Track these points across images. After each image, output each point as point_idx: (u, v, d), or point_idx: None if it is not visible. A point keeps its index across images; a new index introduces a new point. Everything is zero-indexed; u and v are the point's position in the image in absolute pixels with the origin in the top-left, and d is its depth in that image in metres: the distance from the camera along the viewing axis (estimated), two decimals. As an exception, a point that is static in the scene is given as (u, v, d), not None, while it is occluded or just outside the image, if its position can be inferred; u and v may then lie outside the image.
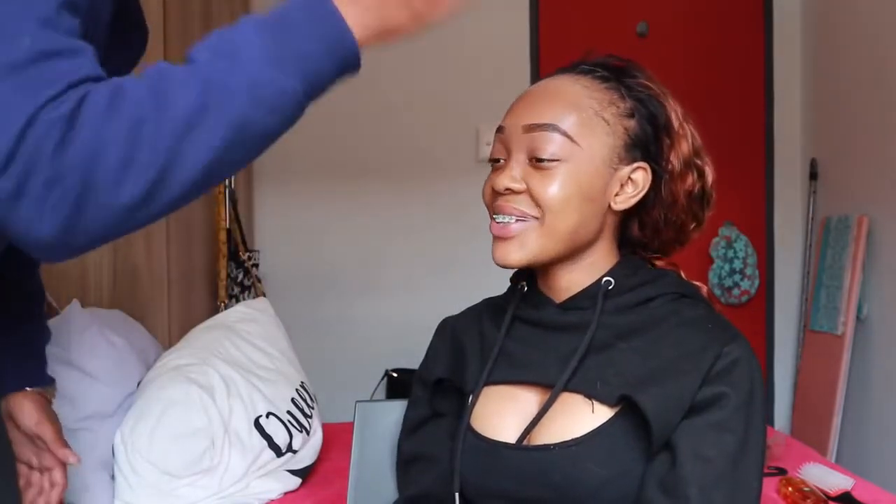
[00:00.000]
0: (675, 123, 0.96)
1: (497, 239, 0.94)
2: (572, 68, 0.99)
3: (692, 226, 1.00)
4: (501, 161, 0.96)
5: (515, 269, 1.04)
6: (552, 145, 0.91)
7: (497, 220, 0.94)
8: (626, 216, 0.99)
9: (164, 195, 0.66)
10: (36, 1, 0.65)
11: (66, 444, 1.18)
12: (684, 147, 0.96)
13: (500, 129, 0.97)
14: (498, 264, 0.95)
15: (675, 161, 0.96)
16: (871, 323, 2.77)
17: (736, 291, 3.26)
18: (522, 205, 0.92)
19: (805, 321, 3.12)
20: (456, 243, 3.13)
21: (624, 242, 1.01)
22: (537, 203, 0.92)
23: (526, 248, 0.92)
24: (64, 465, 1.19)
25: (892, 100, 2.62)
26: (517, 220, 0.93)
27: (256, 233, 3.07)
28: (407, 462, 1.08)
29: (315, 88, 0.70)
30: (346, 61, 0.71)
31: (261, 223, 3.11)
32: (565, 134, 0.91)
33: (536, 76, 3.18)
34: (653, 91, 0.96)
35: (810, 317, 3.05)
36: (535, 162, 0.92)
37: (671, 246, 1.02)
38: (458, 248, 3.11)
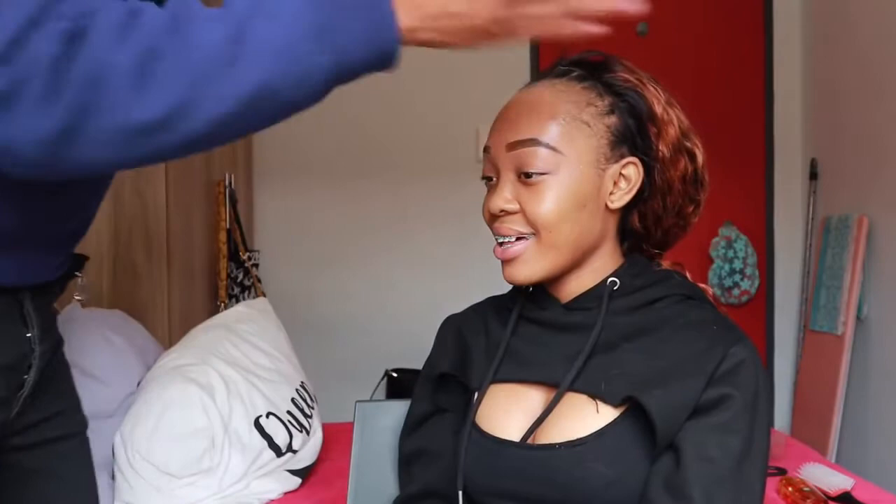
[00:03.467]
0: (659, 110, 0.95)
1: (503, 261, 0.95)
2: (550, 71, 1.00)
3: (690, 209, 1.00)
4: (493, 179, 0.97)
5: None
6: (537, 160, 0.91)
7: (499, 242, 0.95)
8: (625, 211, 0.99)
9: (164, 139, 0.63)
10: None
11: None
12: (671, 132, 0.95)
13: (486, 149, 0.97)
14: (509, 283, 0.96)
15: (665, 148, 0.95)
16: (871, 323, 2.76)
17: (736, 291, 3.26)
18: (518, 224, 0.93)
19: (805, 321, 3.12)
20: (456, 243, 3.13)
21: (626, 237, 1.01)
22: (530, 222, 0.92)
23: (530, 265, 0.93)
24: None
25: (892, 100, 2.61)
26: (518, 239, 0.94)
27: (256, 233, 3.07)
28: (408, 458, 1.08)
29: (344, 74, 0.67)
30: (383, 56, 0.68)
31: (261, 223, 3.11)
32: (548, 146, 0.91)
33: (536, 76, 3.18)
34: (630, 82, 0.95)
35: (810, 317, 3.05)
36: (524, 178, 0.92)
37: (674, 234, 1.02)
38: (459, 248, 3.11)
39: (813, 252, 3.14)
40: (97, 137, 0.62)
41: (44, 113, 0.60)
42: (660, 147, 0.95)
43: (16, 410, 0.90)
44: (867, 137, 2.78)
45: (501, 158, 0.95)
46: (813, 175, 3.16)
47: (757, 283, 3.28)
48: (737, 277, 3.26)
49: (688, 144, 0.97)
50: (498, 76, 3.14)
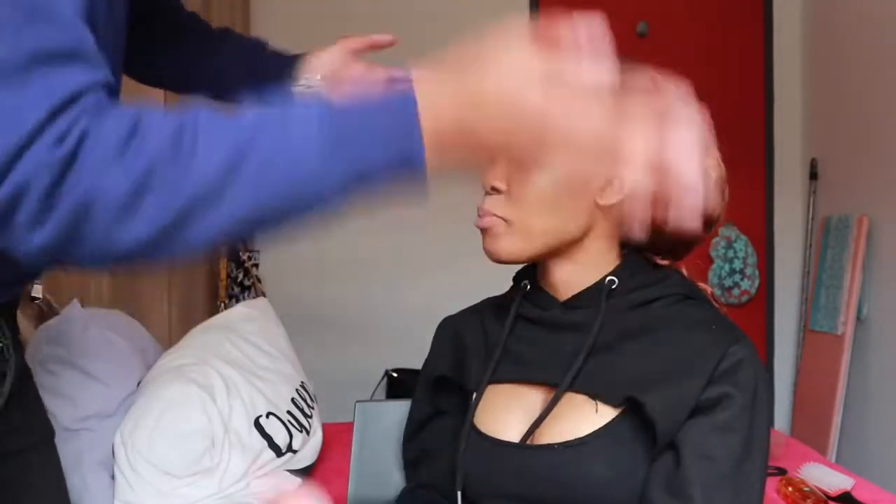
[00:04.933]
0: None
1: (482, 235, 0.97)
2: None
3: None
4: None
5: (517, 269, 1.05)
6: None
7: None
8: (626, 218, 0.98)
9: (161, 251, 0.62)
10: None
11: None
12: None
13: None
14: (489, 258, 0.97)
15: None
16: (871, 323, 2.76)
17: (736, 291, 3.26)
18: (499, 205, 0.94)
19: (805, 321, 3.12)
20: (456, 243, 3.12)
21: (631, 248, 1.01)
22: (513, 203, 0.93)
23: (499, 242, 0.94)
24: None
25: (892, 100, 2.61)
26: (493, 216, 0.95)
27: (256, 233, 3.07)
28: (413, 462, 1.09)
29: (360, 191, 0.63)
30: (408, 179, 0.63)
31: (261, 223, 3.11)
32: None
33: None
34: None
35: (810, 317, 3.05)
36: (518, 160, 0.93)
37: (680, 246, 1.01)
38: (458, 248, 3.10)
39: (813, 252, 3.14)
40: (84, 255, 0.62)
41: (32, 235, 0.60)
42: None
43: None
44: (867, 137, 2.78)
45: None
46: (813, 175, 3.16)
47: (757, 283, 3.28)
48: (737, 277, 3.26)
49: None
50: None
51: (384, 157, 0.62)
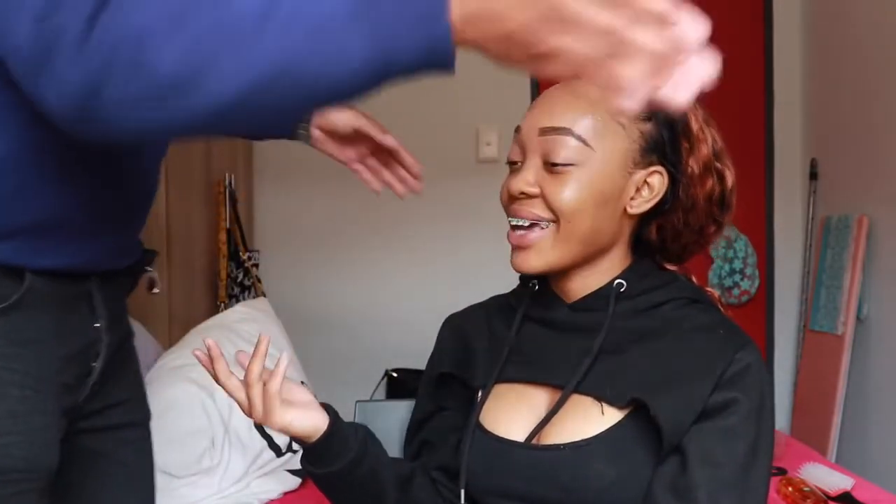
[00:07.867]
0: (695, 127, 0.97)
1: (515, 248, 0.94)
2: None
3: (712, 229, 1.00)
4: (518, 163, 0.96)
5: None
6: (566, 149, 0.91)
7: (513, 225, 0.94)
8: (643, 220, 0.98)
9: (191, 101, 0.62)
10: None
11: (384, 130, 1.23)
12: (704, 151, 0.97)
13: (517, 130, 0.97)
14: (517, 271, 0.95)
15: (695, 165, 0.96)
16: (871, 323, 2.76)
17: (736, 291, 3.26)
18: (537, 208, 0.92)
19: (805, 321, 3.12)
20: (456, 243, 3.12)
21: (641, 247, 1.01)
22: (551, 208, 0.91)
23: (543, 255, 0.92)
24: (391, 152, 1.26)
25: (893, 100, 2.61)
26: (532, 225, 0.92)
27: (256, 233, 3.07)
28: (414, 456, 1.09)
29: (389, 66, 0.62)
30: (433, 51, 0.61)
31: (261, 223, 3.11)
32: (579, 138, 0.91)
33: (536, 76, 3.18)
34: None
35: (810, 317, 3.04)
36: (550, 166, 0.92)
37: (691, 251, 1.02)
38: (459, 248, 3.11)
39: (813, 252, 3.14)
40: (119, 96, 0.63)
41: (70, 71, 0.63)
42: (690, 163, 0.96)
43: (84, 395, 0.93)
44: (867, 137, 2.78)
45: (531, 141, 0.94)
46: (813, 175, 3.16)
47: (757, 283, 3.28)
48: (737, 277, 3.26)
49: (718, 165, 0.98)
50: (498, 76, 3.14)
51: (410, 35, 0.61)
